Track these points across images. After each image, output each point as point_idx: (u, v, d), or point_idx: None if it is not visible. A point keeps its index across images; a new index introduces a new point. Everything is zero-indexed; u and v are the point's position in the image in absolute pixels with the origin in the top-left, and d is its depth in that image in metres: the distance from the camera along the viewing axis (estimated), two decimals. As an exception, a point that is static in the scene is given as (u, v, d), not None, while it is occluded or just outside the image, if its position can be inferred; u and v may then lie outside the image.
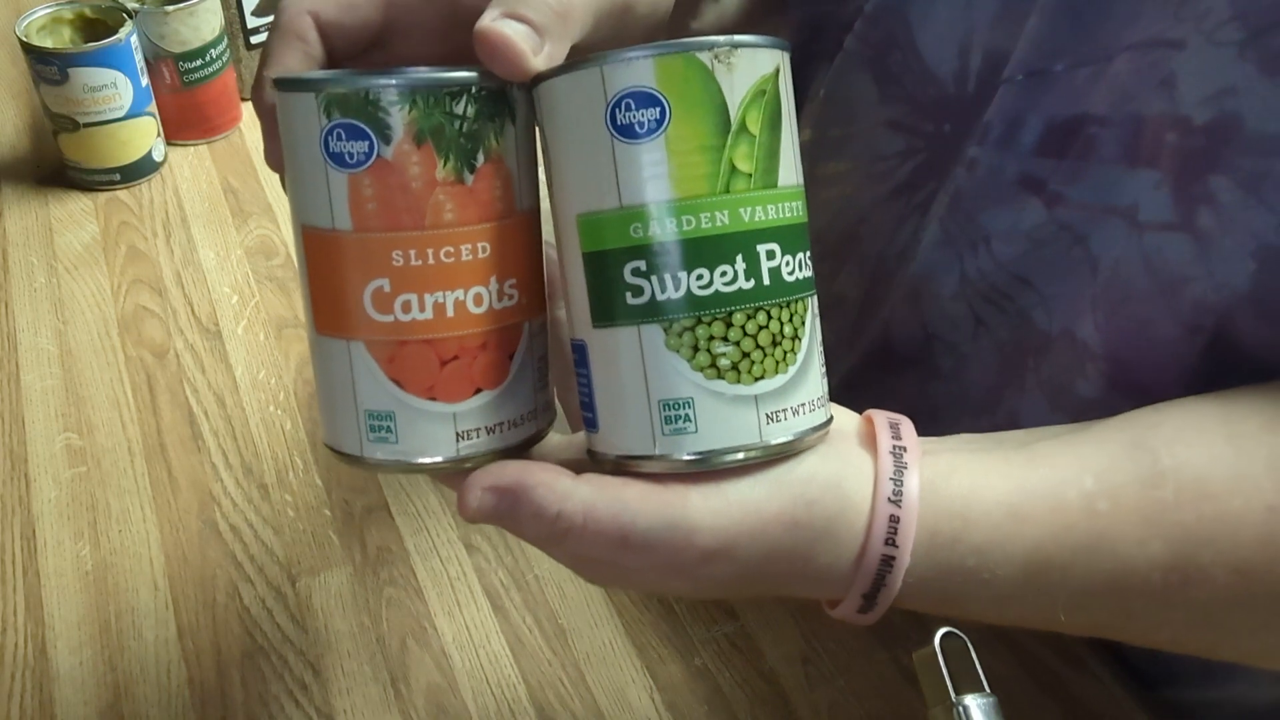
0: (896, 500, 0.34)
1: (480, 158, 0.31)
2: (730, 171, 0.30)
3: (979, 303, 0.46)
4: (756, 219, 0.30)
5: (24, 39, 0.72)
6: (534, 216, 0.33)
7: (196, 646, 0.51)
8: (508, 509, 0.32)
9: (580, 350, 0.32)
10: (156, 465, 0.59)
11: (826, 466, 0.33)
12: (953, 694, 0.41)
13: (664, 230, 0.29)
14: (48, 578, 0.54)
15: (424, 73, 0.30)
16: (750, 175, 0.30)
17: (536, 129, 0.32)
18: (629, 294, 0.30)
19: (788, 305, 0.31)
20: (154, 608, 0.53)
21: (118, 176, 0.76)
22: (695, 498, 0.32)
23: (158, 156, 0.78)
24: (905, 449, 0.34)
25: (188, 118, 0.80)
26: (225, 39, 0.80)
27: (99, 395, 0.62)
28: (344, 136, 0.30)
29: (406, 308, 0.31)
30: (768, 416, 0.31)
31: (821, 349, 0.33)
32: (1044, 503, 0.36)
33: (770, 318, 0.30)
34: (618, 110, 0.29)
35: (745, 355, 0.30)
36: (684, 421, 0.30)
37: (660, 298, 0.30)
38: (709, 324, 0.30)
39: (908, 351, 0.50)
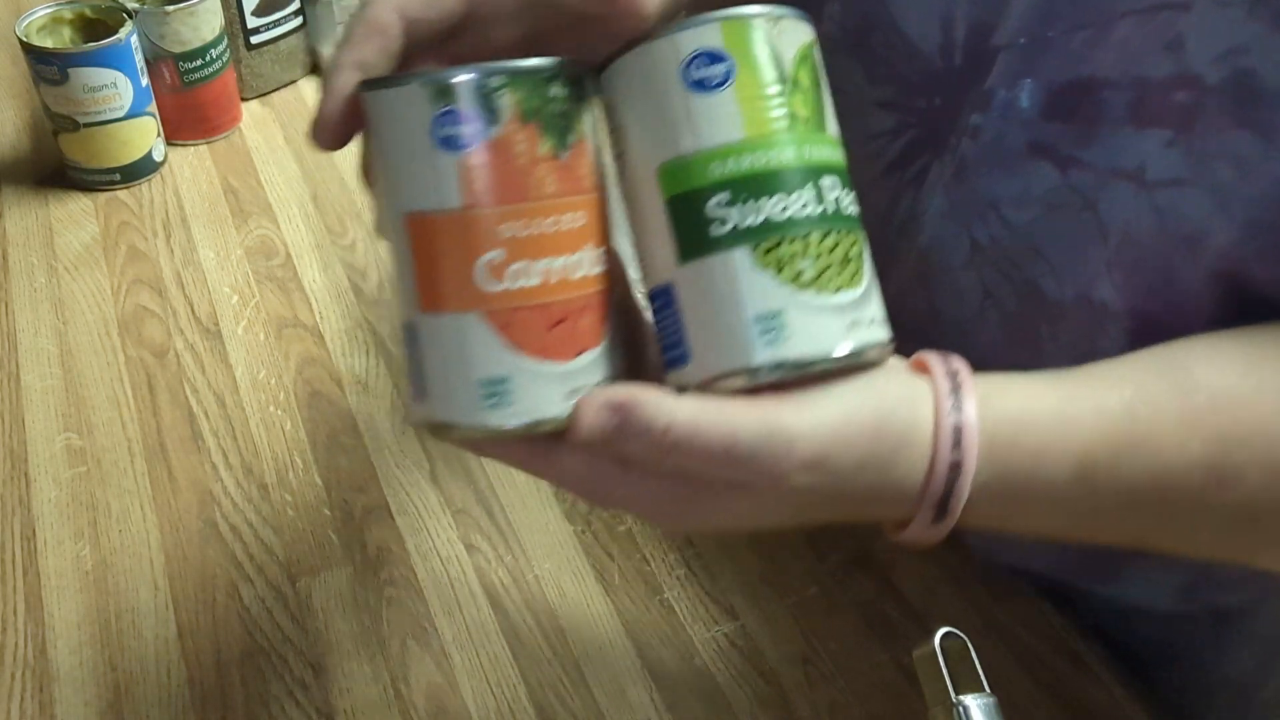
0: (958, 411, 0.36)
1: (572, 135, 0.34)
2: (791, 115, 0.34)
3: (989, 272, 0.47)
4: (816, 156, 0.34)
5: (24, 39, 0.72)
6: (607, 192, 0.37)
7: (196, 646, 0.51)
8: (620, 423, 0.34)
9: (664, 293, 0.35)
10: (156, 465, 0.59)
11: (896, 384, 0.36)
12: (953, 694, 0.42)
13: (741, 166, 0.33)
14: (48, 578, 0.54)
15: (523, 61, 0.34)
16: (807, 119, 0.34)
17: (605, 107, 0.36)
18: (715, 225, 0.34)
19: (850, 231, 0.35)
20: (154, 608, 0.53)
21: (118, 176, 0.76)
22: (792, 408, 0.34)
23: (158, 156, 0.78)
24: (958, 372, 0.37)
25: (188, 118, 0.80)
26: (225, 39, 0.80)
27: (99, 395, 0.62)
28: (455, 122, 0.33)
29: (518, 276, 0.33)
30: (849, 324, 0.34)
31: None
32: (1090, 409, 0.38)
33: (839, 240, 0.34)
34: (691, 68, 0.34)
35: (826, 269, 0.34)
36: (777, 332, 0.34)
37: (743, 225, 0.33)
38: (790, 243, 0.33)
39: (913, 326, 0.50)
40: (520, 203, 0.33)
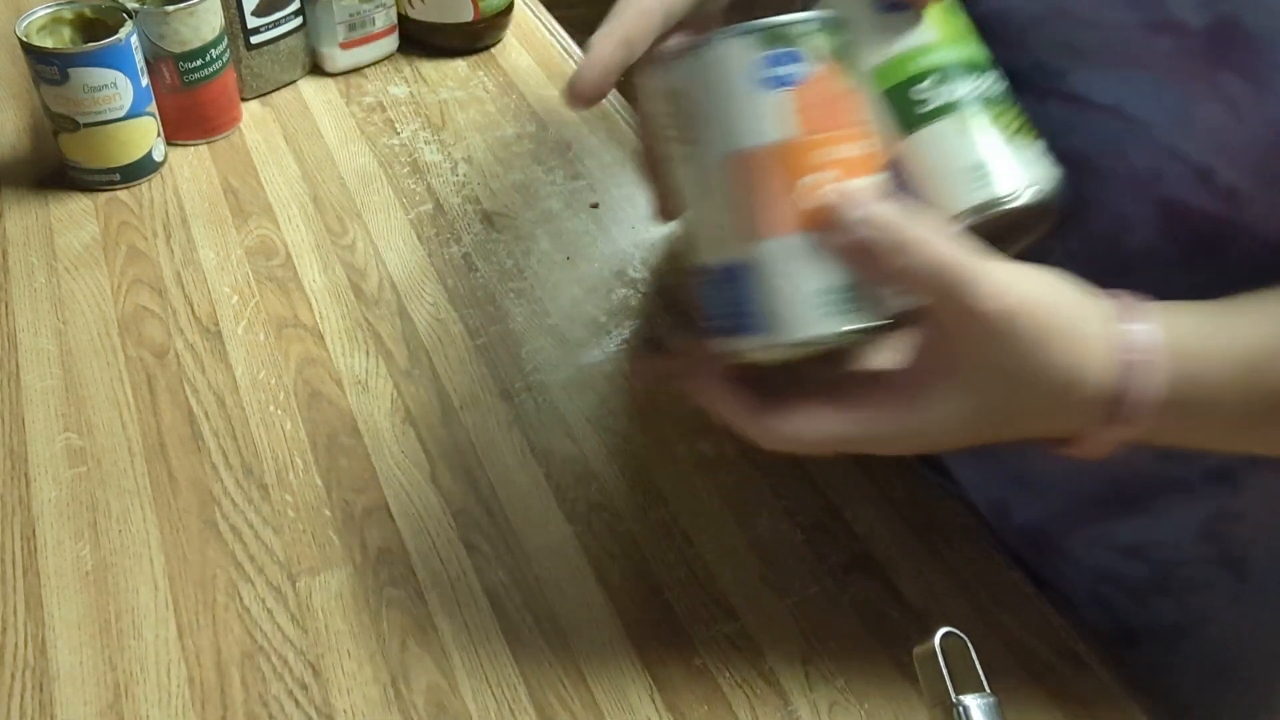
0: (1131, 317, 0.40)
1: (856, 71, 0.41)
2: (967, 25, 0.45)
3: None
4: (987, 55, 0.45)
5: (24, 39, 0.72)
6: None
7: (196, 646, 0.51)
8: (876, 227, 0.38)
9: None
10: (156, 465, 0.59)
11: (1072, 285, 0.40)
12: (953, 694, 0.41)
13: (945, 58, 0.43)
14: (48, 578, 0.54)
15: (815, 12, 0.40)
16: (973, 31, 0.45)
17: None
18: (924, 103, 0.43)
19: (1018, 104, 0.45)
20: (154, 608, 0.53)
21: (118, 176, 0.76)
22: (992, 262, 0.38)
23: (158, 156, 0.78)
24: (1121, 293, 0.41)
25: (188, 118, 0.80)
26: (225, 39, 0.80)
27: (99, 395, 0.62)
28: (781, 63, 0.39)
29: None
30: (1049, 162, 0.44)
31: None
32: (1253, 307, 0.42)
33: (1020, 109, 0.44)
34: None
35: (1021, 125, 0.44)
36: (988, 176, 0.42)
37: (953, 98, 0.43)
38: (993, 106, 0.43)
39: None
40: (837, 129, 0.39)
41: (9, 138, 0.82)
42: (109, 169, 0.76)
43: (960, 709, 0.41)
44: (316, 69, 0.89)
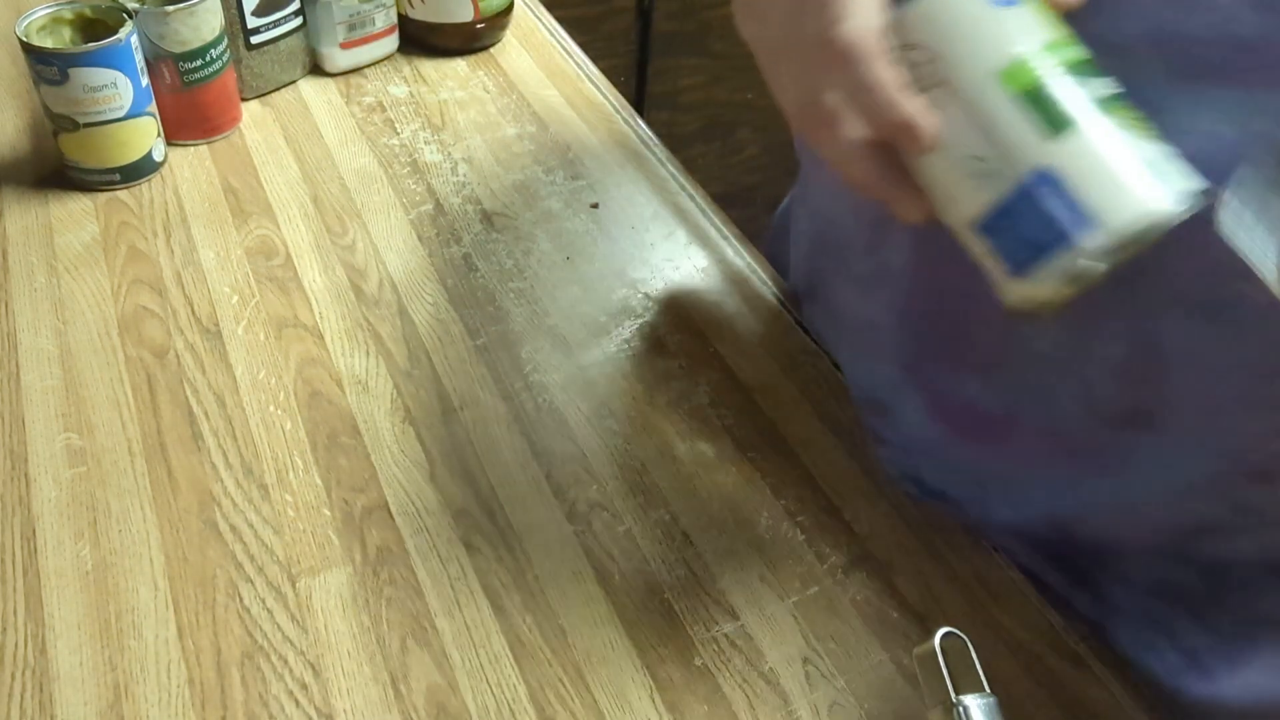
0: None
1: None
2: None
3: None
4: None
5: (24, 39, 0.72)
6: None
7: (196, 646, 0.51)
8: None
9: (1037, 179, 0.41)
10: (156, 465, 0.59)
11: None
12: (953, 694, 0.42)
13: (1074, 55, 0.41)
14: (48, 578, 0.54)
15: None
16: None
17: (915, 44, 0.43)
18: (1073, 101, 0.41)
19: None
20: (154, 608, 0.53)
21: (118, 177, 0.76)
22: None
23: (158, 156, 0.78)
24: None
25: (188, 117, 0.80)
26: (225, 39, 0.80)
27: (99, 395, 0.62)
28: None
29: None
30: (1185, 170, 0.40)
31: None
32: None
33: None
34: None
35: (1149, 126, 0.41)
36: (1165, 173, 0.40)
37: (1100, 96, 0.41)
38: (1128, 106, 0.41)
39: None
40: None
41: (9, 137, 0.82)
42: (109, 169, 0.76)
43: (960, 709, 0.41)
44: (316, 69, 0.89)
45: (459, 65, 0.91)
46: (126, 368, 0.64)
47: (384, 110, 0.85)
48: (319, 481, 0.58)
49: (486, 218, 0.75)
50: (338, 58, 0.88)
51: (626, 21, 1.79)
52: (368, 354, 0.65)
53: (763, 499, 0.58)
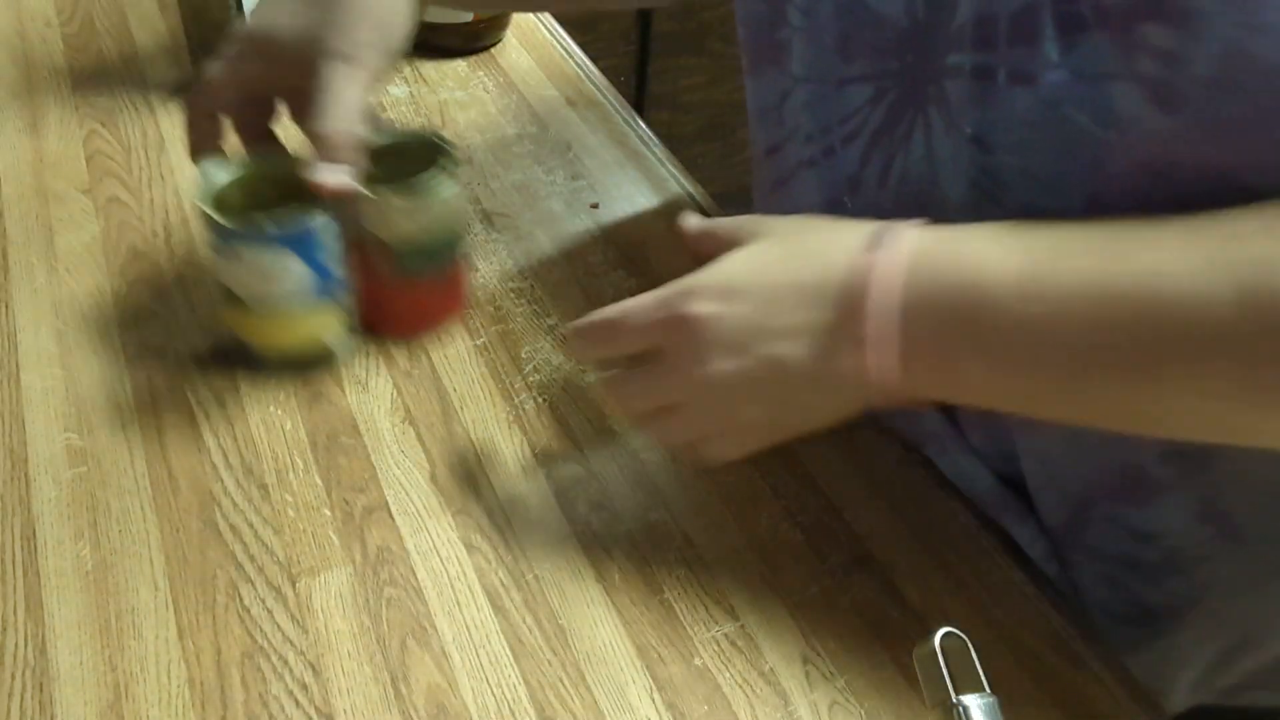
0: (885, 231, 0.44)
1: None
2: None
3: (987, 205, 0.49)
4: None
5: (202, 194, 0.59)
6: None
7: (196, 646, 0.51)
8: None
9: None
10: (156, 465, 0.59)
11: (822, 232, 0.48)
12: (953, 694, 0.42)
13: None
14: (48, 578, 0.54)
15: None
16: None
17: None
18: None
19: None
20: (154, 608, 0.53)
21: (282, 364, 0.63)
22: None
23: (336, 349, 0.63)
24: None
25: (397, 311, 0.65)
26: (457, 233, 0.64)
27: (99, 395, 0.62)
28: None
29: None
30: None
31: None
32: (1033, 231, 0.43)
33: None
34: None
35: None
36: None
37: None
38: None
39: None
40: None
41: (8, 138, 0.82)
42: (276, 350, 0.62)
43: (960, 709, 0.41)
44: (316, 69, 0.89)
45: (459, 65, 0.91)
46: (127, 368, 0.64)
47: (384, 110, 0.85)
48: (319, 481, 0.58)
49: (486, 218, 0.75)
50: (338, 58, 0.88)
51: (626, 22, 1.79)
52: (368, 354, 0.65)
53: (763, 499, 0.58)
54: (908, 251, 0.44)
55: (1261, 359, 0.38)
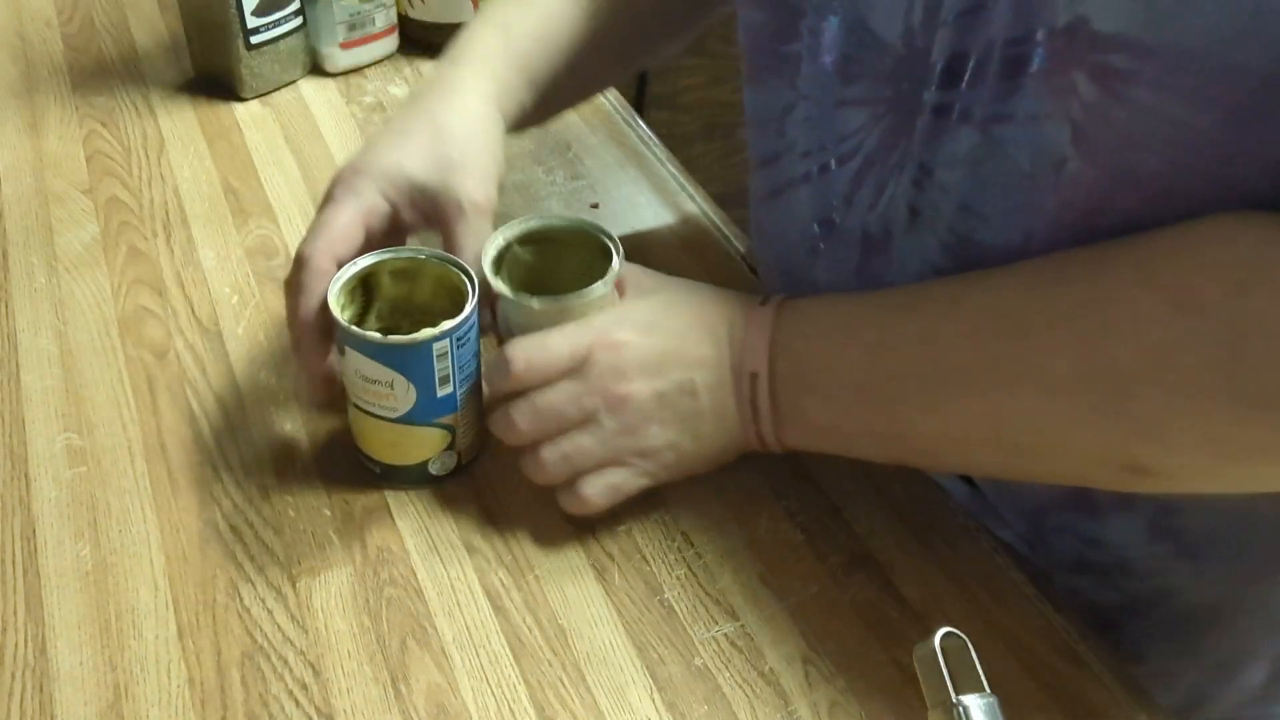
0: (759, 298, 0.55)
1: None
2: None
3: (927, 237, 0.52)
4: None
5: (335, 290, 0.54)
6: None
7: (196, 646, 0.51)
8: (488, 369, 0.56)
9: None
10: (156, 465, 0.59)
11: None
12: (953, 694, 0.42)
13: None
14: (48, 578, 0.54)
15: None
16: None
17: None
18: None
19: None
20: (154, 608, 0.53)
21: (377, 470, 0.58)
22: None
23: (435, 471, 0.58)
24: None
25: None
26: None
27: (99, 395, 0.62)
28: None
29: None
30: None
31: None
32: (891, 290, 0.52)
33: None
34: None
35: None
36: None
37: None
38: None
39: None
40: None
41: (9, 138, 0.82)
42: (370, 457, 0.58)
43: (960, 709, 0.41)
44: (316, 69, 0.89)
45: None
46: (126, 368, 0.64)
47: (384, 110, 0.85)
48: (319, 481, 0.58)
49: (486, 218, 0.75)
50: (338, 58, 0.88)
51: (626, 21, 1.79)
52: (368, 354, 0.65)
53: (763, 499, 0.58)
54: (776, 305, 0.54)
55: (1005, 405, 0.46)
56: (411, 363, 0.53)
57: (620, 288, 0.56)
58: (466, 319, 0.53)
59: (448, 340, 0.53)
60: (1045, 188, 0.45)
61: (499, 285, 0.55)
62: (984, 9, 0.45)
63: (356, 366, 0.54)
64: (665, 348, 0.53)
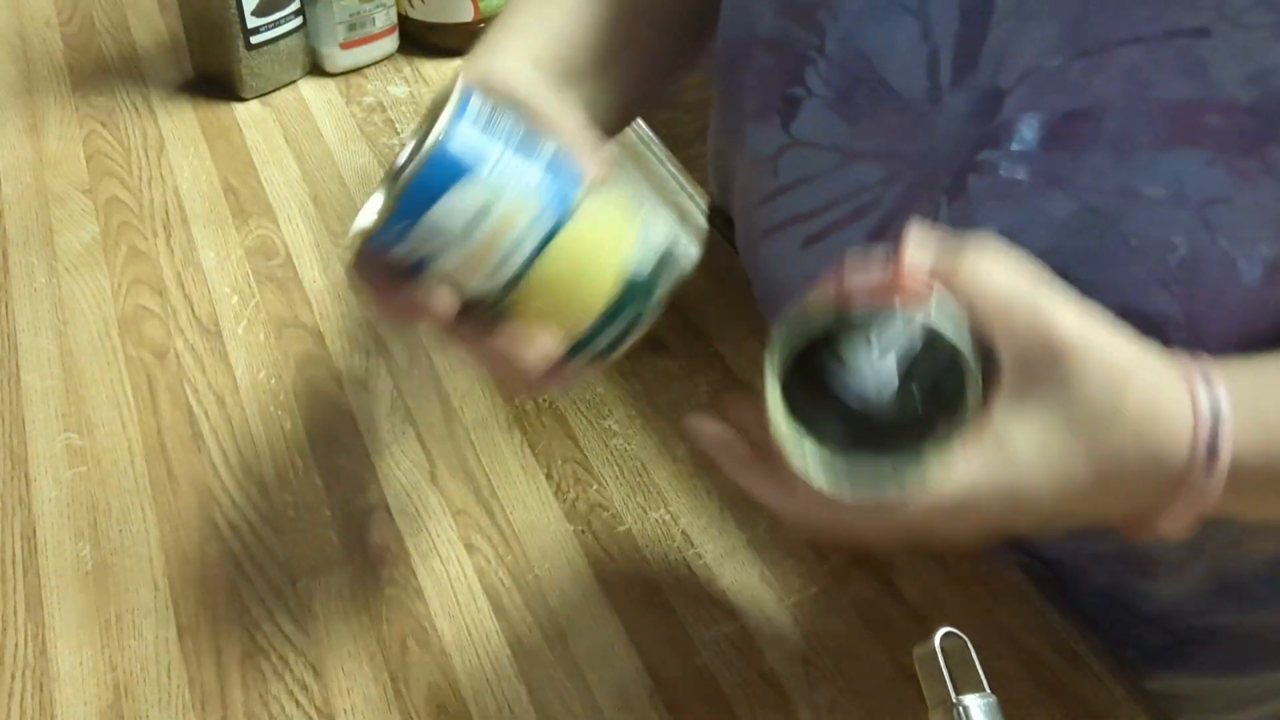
0: (1208, 381, 0.39)
1: None
2: None
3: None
4: None
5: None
6: None
7: (196, 646, 0.51)
8: None
9: None
10: (156, 465, 0.59)
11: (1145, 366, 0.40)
12: (953, 694, 0.42)
13: None
14: (48, 578, 0.54)
15: None
16: None
17: None
18: None
19: None
20: (154, 608, 0.53)
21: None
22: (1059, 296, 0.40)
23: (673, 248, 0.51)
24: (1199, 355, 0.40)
25: None
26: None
27: (99, 395, 0.62)
28: None
29: None
30: None
31: None
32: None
33: None
34: None
35: None
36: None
37: None
38: None
39: None
40: None
41: (9, 138, 0.82)
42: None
43: (960, 709, 0.41)
44: (316, 69, 0.89)
45: (459, 65, 0.91)
46: (126, 368, 0.64)
47: (384, 110, 0.85)
48: (319, 481, 0.58)
49: (486, 218, 0.75)
50: (338, 57, 0.88)
51: (626, 21, 1.79)
52: (368, 354, 0.65)
53: (763, 499, 0.58)
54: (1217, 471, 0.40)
55: None
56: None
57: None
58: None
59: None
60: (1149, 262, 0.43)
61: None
62: (1053, 71, 0.43)
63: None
64: (1018, 523, 0.41)
